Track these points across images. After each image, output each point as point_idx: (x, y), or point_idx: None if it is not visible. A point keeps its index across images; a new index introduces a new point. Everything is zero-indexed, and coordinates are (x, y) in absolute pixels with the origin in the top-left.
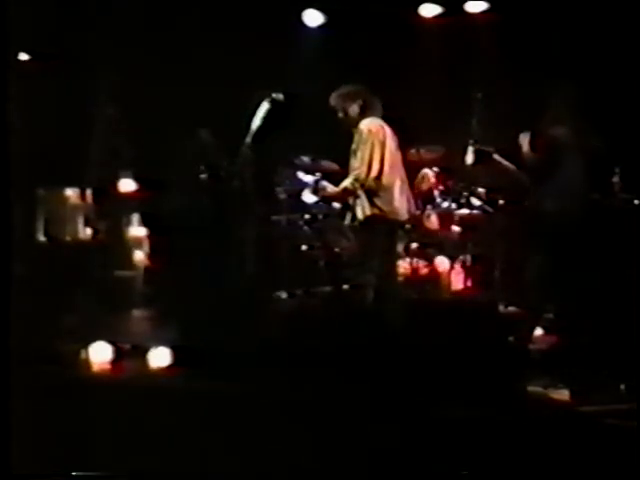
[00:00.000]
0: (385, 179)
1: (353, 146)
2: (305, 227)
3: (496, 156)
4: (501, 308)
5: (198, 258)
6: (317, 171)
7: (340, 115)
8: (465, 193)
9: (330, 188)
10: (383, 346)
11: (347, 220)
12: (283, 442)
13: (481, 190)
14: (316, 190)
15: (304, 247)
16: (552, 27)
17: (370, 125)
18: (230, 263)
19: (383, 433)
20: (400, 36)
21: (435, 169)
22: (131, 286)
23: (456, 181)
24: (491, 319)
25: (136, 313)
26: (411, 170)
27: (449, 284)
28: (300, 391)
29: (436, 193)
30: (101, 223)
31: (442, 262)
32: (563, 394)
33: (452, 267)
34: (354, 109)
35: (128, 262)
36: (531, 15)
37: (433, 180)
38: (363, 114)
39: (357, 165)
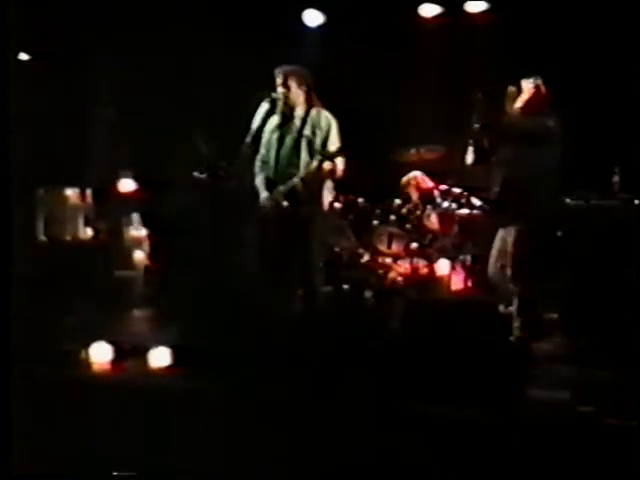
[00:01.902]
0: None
1: (307, 130)
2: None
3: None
4: (501, 308)
5: (198, 258)
6: None
7: (281, 90)
8: (465, 193)
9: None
10: (383, 346)
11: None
12: (283, 442)
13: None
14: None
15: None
16: (552, 27)
17: (329, 115)
18: (230, 263)
19: (382, 433)
20: (400, 36)
21: (420, 173)
22: (131, 286)
23: (456, 181)
24: (491, 319)
25: (136, 313)
26: (411, 170)
27: (449, 284)
28: (300, 391)
29: (436, 193)
30: (101, 223)
31: (442, 262)
32: (563, 394)
33: (452, 267)
34: (298, 92)
35: (128, 262)
36: (531, 15)
37: (423, 184)
38: (308, 102)
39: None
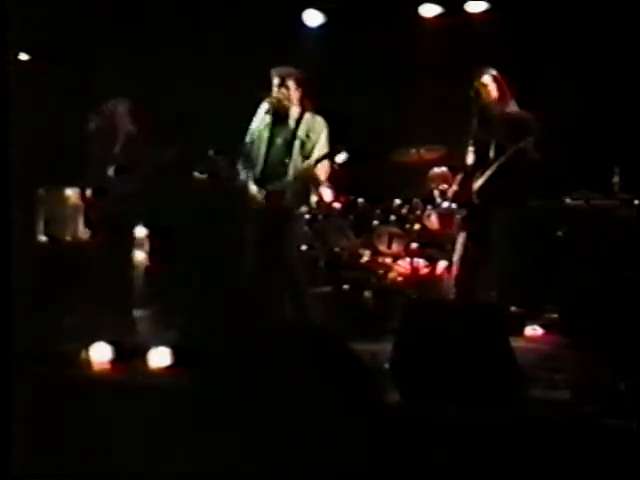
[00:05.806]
0: None
1: (301, 132)
2: (305, 227)
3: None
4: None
5: (198, 258)
6: None
7: (282, 91)
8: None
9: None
10: (382, 346)
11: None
12: (284, 442)
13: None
14: None
15: (304, 247)
16: (552, 27)
17: (322, 121)
18: (230, 263)
19: (382, 433)
20: (400, 36)
21: (444, 168)
22: (131, 286)
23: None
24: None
25: (136, 313)
26: (411, 170)
27: (449, 283)
28: (300, 390)
29: (436, 193)
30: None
31: (442, 262)
32: (563, 394)
33: (452, 267)
34: (296, 94)
35: (128, 262)
36: (531, 15)
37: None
38: (304, 105)
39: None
